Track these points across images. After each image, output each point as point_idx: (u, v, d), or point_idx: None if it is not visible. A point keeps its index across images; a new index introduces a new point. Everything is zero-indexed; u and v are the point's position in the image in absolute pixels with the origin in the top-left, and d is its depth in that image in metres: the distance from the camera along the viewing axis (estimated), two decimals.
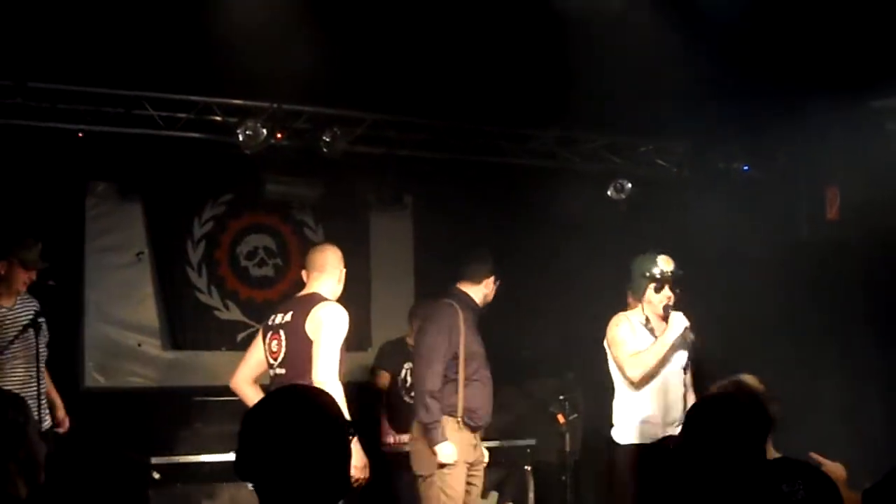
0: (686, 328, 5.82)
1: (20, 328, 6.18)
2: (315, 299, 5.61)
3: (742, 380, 4.10)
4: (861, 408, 7.56)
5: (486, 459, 6.44)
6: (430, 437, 5.98)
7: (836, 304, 7.82)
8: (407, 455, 6.40)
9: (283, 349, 5.66)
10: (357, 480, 5.95)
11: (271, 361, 5.71)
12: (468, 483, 6.14)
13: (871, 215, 7.60)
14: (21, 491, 2.85)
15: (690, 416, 2.89)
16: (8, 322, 6.25)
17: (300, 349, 5.55)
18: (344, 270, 5.81)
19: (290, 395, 2.47)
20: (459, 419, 6.04)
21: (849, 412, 7.46)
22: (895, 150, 7.20)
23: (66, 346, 7.20)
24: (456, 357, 6.06)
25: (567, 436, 7.60)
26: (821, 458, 4.15)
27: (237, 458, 2.35)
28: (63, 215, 8.13)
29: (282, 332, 5.68)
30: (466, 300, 6.25)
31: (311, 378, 5.39)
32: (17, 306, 6.33)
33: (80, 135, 7.33)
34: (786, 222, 8.25)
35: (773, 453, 3.79)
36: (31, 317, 6.21)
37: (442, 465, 5.98)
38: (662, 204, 8.44)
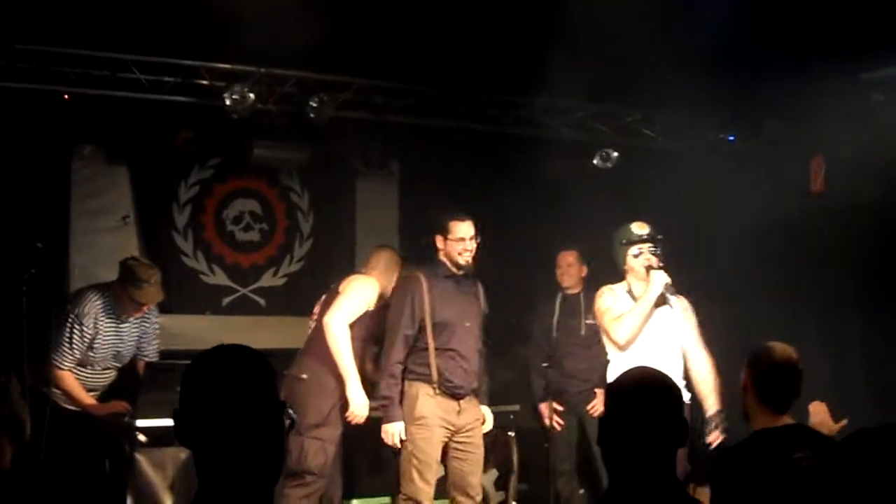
0: (667, 284, 5.78)
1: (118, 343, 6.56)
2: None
3: (768, 346, 4.11)
4: (847, 380, 7.60)
5: (489, 423, 6.39)
6: (384, 413, 6.03)
7: (821, 275, 7.85)
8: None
9: (321, 307, 6.49)
10: (354, 418, 6.13)
11: (311, 323, 6.57)
12: (459, 450, 6.11)
13: (856, 187, 7.63)
14: (6, 449, 2.87)
15: (607, 397, 2.86)
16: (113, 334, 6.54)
17: (331, 304, 6.34)
18: (397, 274, 6.51)
19: (233, 354, 2.21)
20: (435, 385, 6.01)
21: (834, 384, 7.50)
22: (881, 121, 7.21)
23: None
24: (423, 327, 6.04)
25: None
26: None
27: (175, 419, 2.16)
28: (49, 178, 8.12)
29: (324, 296, 6.58)
30: (437, 268, 6.17)
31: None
32: (129, 322, 6.58)
33: (67, 97, 7.31)
34: (771, 193, 8.25)
35: (786, 420, 3.85)
36: (136, 336, 6.65)
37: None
38: (648, 174, 8.45)
